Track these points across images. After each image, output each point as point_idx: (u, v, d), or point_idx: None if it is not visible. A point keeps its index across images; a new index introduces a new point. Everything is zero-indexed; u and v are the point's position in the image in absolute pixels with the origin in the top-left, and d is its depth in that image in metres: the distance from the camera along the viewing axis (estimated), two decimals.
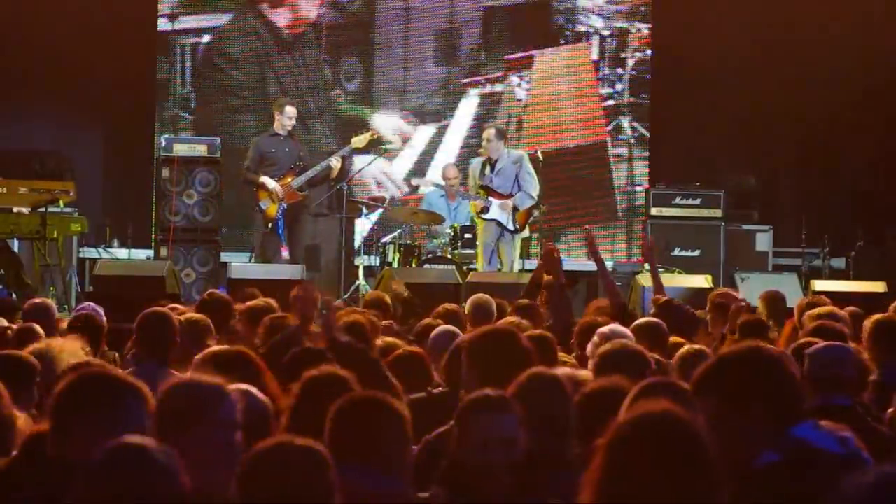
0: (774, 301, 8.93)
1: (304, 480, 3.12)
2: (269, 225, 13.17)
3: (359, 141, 13.58)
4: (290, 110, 13.38)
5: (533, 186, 13.08)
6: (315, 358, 5.04)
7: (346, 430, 3.70)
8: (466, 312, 8.22)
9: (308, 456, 3.16)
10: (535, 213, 13.48)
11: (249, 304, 7.57)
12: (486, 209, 13.02)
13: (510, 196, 12.99)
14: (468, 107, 16.40)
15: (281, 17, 16.24)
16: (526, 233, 13.32)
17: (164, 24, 15.99)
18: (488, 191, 13.06)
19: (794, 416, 3.50)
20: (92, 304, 8.31)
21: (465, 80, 16.41)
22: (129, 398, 3.60)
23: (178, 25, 16.03)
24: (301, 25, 16.26)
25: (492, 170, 13.09)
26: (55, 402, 3.63)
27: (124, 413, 3.54)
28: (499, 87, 16.46)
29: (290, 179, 13.17)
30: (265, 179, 13.17)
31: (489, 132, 13.16)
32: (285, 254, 13.19)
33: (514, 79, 16.38)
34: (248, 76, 16.15)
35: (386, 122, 16.07)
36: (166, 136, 14.49)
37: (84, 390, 3.63)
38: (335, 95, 16.28)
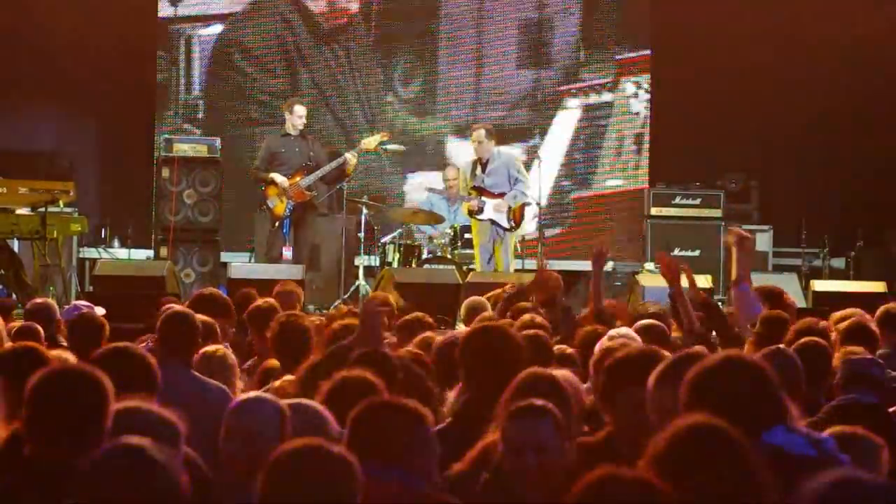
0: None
1: (329, 485, 3.09)
2: (277, 223, 13.18)
3: (369, 142, 13.57)
4: (299, 109, 13.36)
5: (527, 185, 13.08)
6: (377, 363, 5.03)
7: (367, 433, 3.68)
8: (462, 315, 8.24)
9: (335, 460, 3.13)
10: (536, 209, 13.51)
11: (257, 304, 7.58)
12: (480, 210, 13.01)
13: (503, 195, 12.99)
14: (567, 122, 15.73)
15: (319, 2, 16.12)
16: (522, 230, 13.31)
17: (165, 10, 15.90)
18: (481, 191, 13.05)
19: (769, 418, 3.54)
20: (84, 302, 8.29)
21: (561, 87, 16.01)
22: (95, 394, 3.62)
23: (183, 11, 15.93)
24: (343, 14, 16.11)
25: (483, 170, 13.09)
26: (28, 400, 3.66)
27: (88, 409, 3.57)
28: (607, 97, 15.91)
29: (298, 178, 13.17)
30: (275, 175, 13.15)
31: (479, 133, 13.13)
32: (288, 253, 13.19)
33: (629, 86, 16.05)
34: (273, 76, 16.02)
35: (459, 150, 15.49)
36: (166, 135, 14.50)
37: (55, 386, 3.66)
38: (387, 102, 16.02)
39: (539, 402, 3.94)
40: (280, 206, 13.15)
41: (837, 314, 7.52)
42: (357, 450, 3.52)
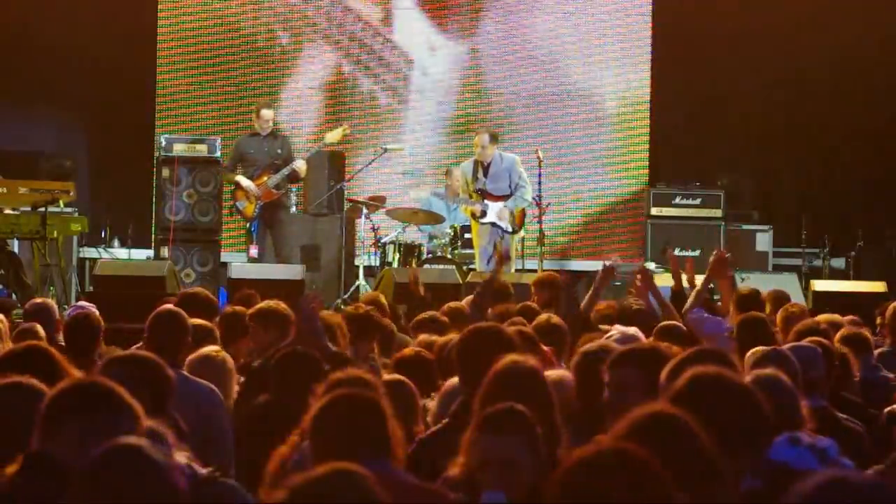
0: (779, 300, 9.07)
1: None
2: (248, 224, 13.34)
3: (332, 136, 13.69)
4: (266, 113, 13.65)
5: (528, 190, 13.09)
6: (303, 361, 5.04)
7: (328, 427, 3.67)
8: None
9: (362, 482, 2.91)
10: (536, 211, 13.50)
11: (260, 306, 7.54)
12: (483, 213, 13.02)
13: (505, 198, 12.99)
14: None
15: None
16: (522, 232, 13.32)
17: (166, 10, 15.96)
18: (484, 194, 13.05)
19: (767, 438, 3.51)
20: (86, 302, 8.31)
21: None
22: (120, 415, 3.56)
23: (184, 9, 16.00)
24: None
25: (484, 174, 13.10)
26: (46, 405, 3.61)
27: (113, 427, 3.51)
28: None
29: (265, 178, 13.35)
30: (240, 178, 13.43)
31: (482, 138, 13.17)
32: (254, 251, 13.30)
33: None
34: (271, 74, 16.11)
35: None
36: (166, 135, 14.50)
37: (76, 398, 3.60)
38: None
39: (512, 410, 3.78)
40: (249, 208, 13.39)
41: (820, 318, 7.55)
42: (321, 445, 3.49)
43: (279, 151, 13.54)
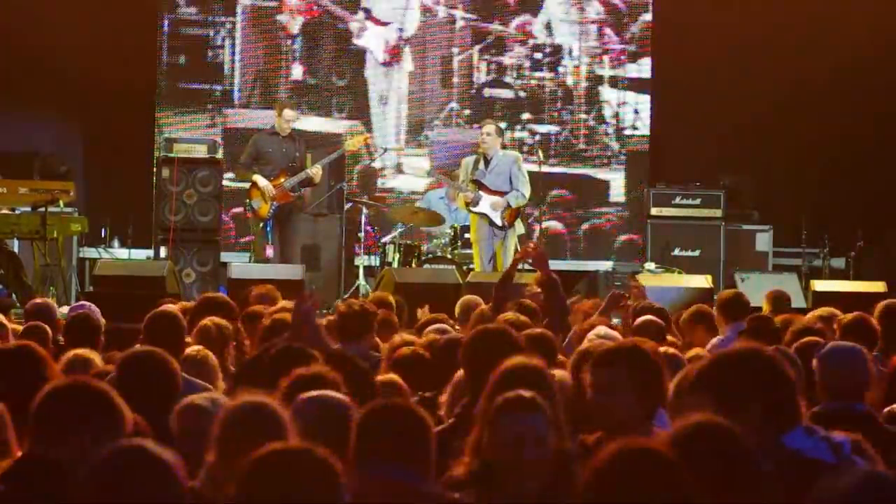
0: (780, 301, 9.10)
1: (311, 488, 3.00)
2: (261, 224, 13.22)
3: (351, 144, 13.62)
4: (289, 114, 13.35)
5: (526, 187, 13.05)
6: (299, 357, 5.04)
7: (374, 433, 3.67)
8: (456, 314, 8.23)
9: (316, 462, 3.04)
10: (536, 211, 13.47)
11: (252, 308, 7.54)
12: (475, 202, 12.95)
13: (502, 194, 12.96)
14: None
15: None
16: (521, 229, 13.27)
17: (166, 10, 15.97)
18: (480, 185, 13.01)
19: (789, 418, 3.52)
20: (87, 302, 8.32)
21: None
22: (107, 414, 3.57)
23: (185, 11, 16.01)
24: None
25: (486, 166, 13.08)
26: (38, 406, 3.62)
27: (101, 425, 3.52)
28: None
29: (282, 180, 13.18)
30: (257, 178, 13.19)
31: (490, 127, 13.16)
32: (270, 252, 13.19)
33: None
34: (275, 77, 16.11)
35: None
36: (166, 135, 14.50)
37: (67, 400, 3.60)
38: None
39: (529, 393, 3.87)
40: (264, 208, 13.16)
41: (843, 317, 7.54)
42: (363, 450, 3.51)
43: (297, 154, 13.35)
